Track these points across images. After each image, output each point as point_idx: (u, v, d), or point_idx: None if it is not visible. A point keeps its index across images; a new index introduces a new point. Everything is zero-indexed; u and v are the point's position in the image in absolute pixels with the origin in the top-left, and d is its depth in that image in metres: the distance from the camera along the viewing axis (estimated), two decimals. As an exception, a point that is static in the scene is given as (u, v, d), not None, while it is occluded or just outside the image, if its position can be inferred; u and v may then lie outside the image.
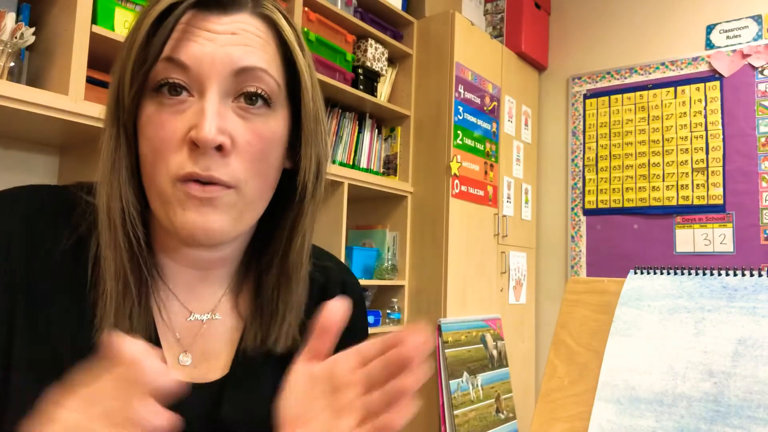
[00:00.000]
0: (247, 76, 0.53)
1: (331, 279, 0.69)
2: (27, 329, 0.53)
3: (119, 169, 0.53)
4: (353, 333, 0.71)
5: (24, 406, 0.50)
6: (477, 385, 2.39)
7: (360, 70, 2.46)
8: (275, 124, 0.56)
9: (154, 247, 0.59)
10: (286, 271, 0.60)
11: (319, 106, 0.60)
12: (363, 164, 2.53)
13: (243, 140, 0.53)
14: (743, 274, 0.64)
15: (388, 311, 2.52)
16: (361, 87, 2.44)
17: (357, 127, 2.53)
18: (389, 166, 2.67)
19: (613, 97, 3.00)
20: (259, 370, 0.61)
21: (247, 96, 0.54)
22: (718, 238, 2.64)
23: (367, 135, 2.57)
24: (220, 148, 0.51)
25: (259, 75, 0.54)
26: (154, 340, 0.57)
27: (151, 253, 0.58)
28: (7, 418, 0.51)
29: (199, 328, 0.61)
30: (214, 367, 0.60)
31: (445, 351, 2.30)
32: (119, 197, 0.53)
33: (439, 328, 2.34)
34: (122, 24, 1.62)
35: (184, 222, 0.52)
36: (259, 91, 0.54)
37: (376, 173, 2.58)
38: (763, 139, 2.58)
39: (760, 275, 0.63)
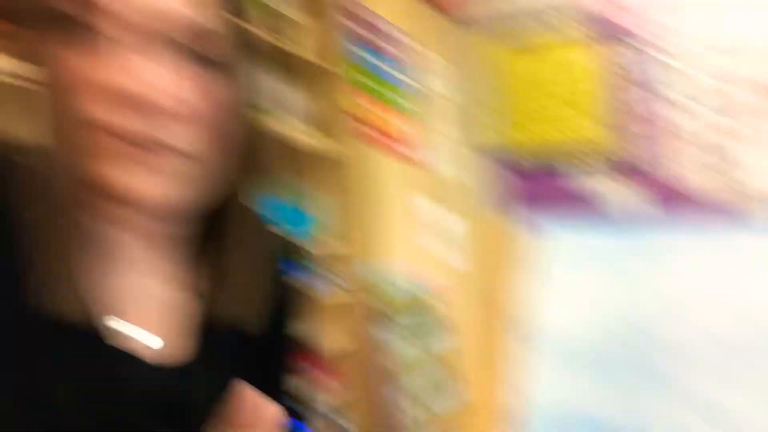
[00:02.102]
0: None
1: (274, 246, 0.69)
2: None
3: None
4: (288, 292, 0.70)
5: None
6: (424, 350, 2.43)
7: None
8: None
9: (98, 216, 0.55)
10: (242, 242, 0.60)
11: None
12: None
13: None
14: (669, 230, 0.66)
15: (324, 278, 2.49)
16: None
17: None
18: (312, 123, 2.59)
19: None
20: (217, 347, 0.60)
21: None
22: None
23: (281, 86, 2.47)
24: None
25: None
26: (102, 317, 0.53)
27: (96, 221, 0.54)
28: None
29: (156, 305, 0.58)
30: (172, 345, 0.58)
31: (388, 317, 2.32)
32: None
33: (376, 292, 2.35)
34: None
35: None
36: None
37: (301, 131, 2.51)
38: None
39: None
